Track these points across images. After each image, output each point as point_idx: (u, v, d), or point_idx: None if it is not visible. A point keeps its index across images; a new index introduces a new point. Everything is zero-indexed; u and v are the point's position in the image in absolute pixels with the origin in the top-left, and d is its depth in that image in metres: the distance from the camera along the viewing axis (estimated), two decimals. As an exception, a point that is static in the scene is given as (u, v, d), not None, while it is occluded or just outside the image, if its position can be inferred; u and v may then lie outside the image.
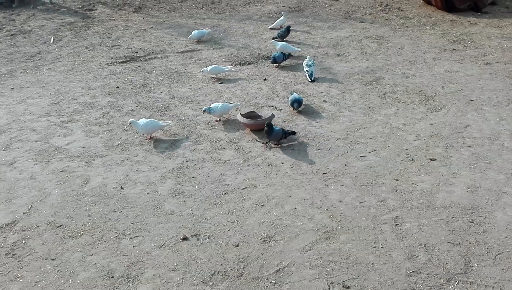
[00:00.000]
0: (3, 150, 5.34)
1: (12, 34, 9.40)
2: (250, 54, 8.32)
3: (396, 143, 5.48)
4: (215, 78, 7.29)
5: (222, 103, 5.94)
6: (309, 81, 7.16)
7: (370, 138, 5.57)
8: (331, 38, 9.14)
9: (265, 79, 7.30)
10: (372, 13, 10.77)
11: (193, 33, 8.89)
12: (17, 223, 4.17)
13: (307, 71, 7.24)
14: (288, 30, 8.89)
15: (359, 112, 6.24)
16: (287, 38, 8.87)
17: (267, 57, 8.07)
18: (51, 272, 3.65)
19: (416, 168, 4.99)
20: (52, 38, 9.17)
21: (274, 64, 7.68)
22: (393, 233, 4.07)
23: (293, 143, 5.49)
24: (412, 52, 8.39)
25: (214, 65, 7.36)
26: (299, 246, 3.92)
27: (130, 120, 5.54)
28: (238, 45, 8.81)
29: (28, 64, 7.97)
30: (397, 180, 4.79)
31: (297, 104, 6.11)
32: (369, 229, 4.12)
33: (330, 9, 11.19)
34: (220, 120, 5.99)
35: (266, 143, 5.45)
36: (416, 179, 4.80)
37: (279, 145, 5.40)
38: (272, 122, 5.47)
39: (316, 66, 7.47)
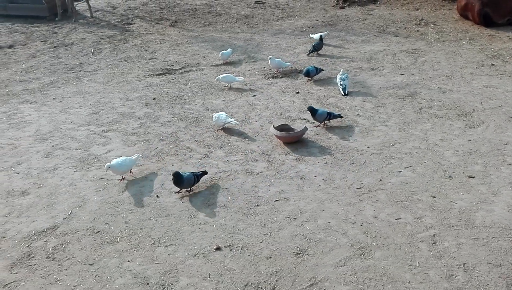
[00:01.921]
0: (46, 157, 5.57)
1: (55, 46, 9.85)
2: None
3: (433, 159, 5.36)
4: (228, 87, 7.56)
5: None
6: (342, 95, 7.14)
7: (406, 154, 5.48)
8: (364, 52, 9.10)
9: (297, 92, 7.33)
10: (407, 28, 10.66)
11: (221, 53, 8.64)
12: (58, 227, 4.33)
13: (340, 84, 7.22)
14: (321, 40, 8.95)
15: (394, 126, 6.16)
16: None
17: (300, 70, 8.11)
18: (89, 277, 3.75)
19: (454, 185, 4.86)
20: (92, 50, 9.55)
21: (307, 78, 7.72)
22: (431, 251, 3.97)
23: (325, 156, 5.46)
24: (449, 67, 8.23)
25: (227, 74, 7.57)
26: (332, 261, 3.88)
27: (107, 164, 4.86)
28: (271, 59, 8.89)
29: (70, 75, 8.32)
30: (434, 197, 4.68)
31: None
32: (405, 246, 4.03)
33: (363, 23, 11.16)
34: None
35: (177, 192, 4.82)
36: (454, 197, 4.67)
37: (191, 192, 4.82)
38: (180, 172, 4.78)
39: (349, 80, 7.44)
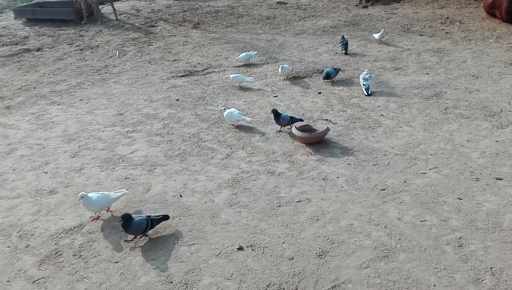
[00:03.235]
0: (72, 157, 5.71)
1: (81, 49, 10.10)
2: (304, 68, 8.36)
3: (459, 160, 5.24)
4: (237, 87, 7.62)
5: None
6: (365, 95, 7.07)
7: (431, 155, 5.38)
8: (388, 52, 8.98)
9: (319, 93, 7.29)
10: (432, 26, 10.46)
11: (240, 55, 8.67)
12: (84, 226, 4.43)
13: (363, 84, 7.14)
14: (343, 38, 8.92)
15: (419, 127, 6.05)
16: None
17: (322, 70, 8.07)
18: (114, 274, 3.83)
19: (481, 187, 4.74)
20: (117, 52, 9.75)
21: (327, 80, 7.66)
22: (457, 254, 3.88)
23: (348, 157, 5.42)
24: (476, 66, 8.03)
25: (238, 74, 7.62)
26: (355, 263, 3.84)
27: (81, 193, 4.34)
28: (293, 59, 8.88)
29: (96, 77, 8.51)
30: (461, 199, 4.57)
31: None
32: (430, 249, 3.95)
33: (387, 22, 11.01)
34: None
35: (129, 241, 4.20)
36: (481, 199, 4.56)
37: (141, 237, 4.23)
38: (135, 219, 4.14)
39: (373, 79, 7.35)
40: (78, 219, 4.52)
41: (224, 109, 6.39)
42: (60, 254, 4.08)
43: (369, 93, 7.06)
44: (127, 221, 4.06)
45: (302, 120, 6.12)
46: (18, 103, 7.40)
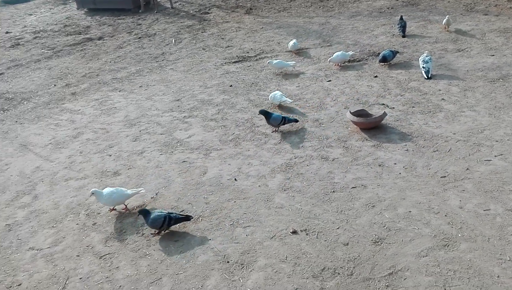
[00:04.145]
0: (134, 141, 6.00)
1: (139, 37, 10.47)
2: (360, 51, 8.13)
3: (528, 147, 4.91)
4: (280, 72, 7.51)
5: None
6: (425, 78, 6.77)
7: (497, 141, 5.08)
8: (450, 32, 8.50)
9: (376, 76, 7.08)
10: (498, 5, 9.74)
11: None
12: (146, 206, 4.67)
13: (423, 67, 6.84)
14: (401, 19, 8.56)
15: (484, 112, 5.72)
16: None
17: (378, 53, 7.81)
18: (175, 252, 4.02)
19: (553, 176, 4.42)
20: (173, 40, 10.01)
21: (384, 63, 7.40)
22: (524, 246, 3.67)
23: (406, 143, 5.24)
24: (549, 46, 7.41)
25: (279, 60, 7.51)
26: (414, 251, 3.75)
27: (92, 190, 4.53)
28: (348, 42, 8.67)
29: (153, 64, 8.81)
30: (530, 188, 4.30)
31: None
32: (494, 239, 3.77)
33: (448, 1, 10.40)
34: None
35: (154, 234, 4.24)
36: (554, 189, 4.26)
37: (159, 234, 4.24)
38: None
39: (433, 62, 7.02)
40: (141, 200, 4.77)
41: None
42: (124, 232, 4.34)
43: (429, 76, 6.75)
44: (144, 217, 4.20)
45: (296, 121, 5.83)
46: (82, 90, 7.85)
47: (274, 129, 5.88)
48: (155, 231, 4.26)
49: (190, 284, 3.67)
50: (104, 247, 4.18)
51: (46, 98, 7.64)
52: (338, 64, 7.61)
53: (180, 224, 4.31)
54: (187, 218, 4.27)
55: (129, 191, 4.59)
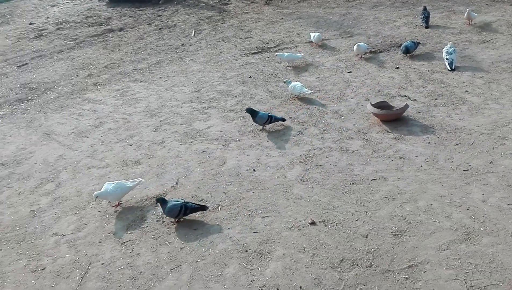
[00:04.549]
0: (154, 131, 6.07)
1: (160, 28, 10.53)
2: (381, 42, 8.01)
3: (556, 141, 4.77)
4: (291, 65, 7.43)
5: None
6: (448, 70, 6.63)
7: (522, 134, 4.95)
8: (474, 23, 8.28)
9: (397, 68, 6.97)
10: (527, -7, 9.42)
11: (315, 36, 8.17)
12: (166, 195, 4.73)
13: (446, 59, 6.69)
14: (424, 9, 8.37)
15: (508, 104, 5.57)
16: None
17: (400, 44, 7.67)
18: (194, 240, 4.07)
19: None
20: (193, 31, 10.04)
21: (407, 54, 7.26)
22: (550, 242, 3.59)
23: (428, 136, 5.15)
24: None
25: (289, 53, 7.43)
26: (434, 244, 3.70)
27: (95, 193, 4.51)
28: (369, 33, 8.54)
29: (173, 55, 8.87)
30: (557, 183, 4.19)
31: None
32: (518, 234, 3.70)
33: (474, -9, 10.11)
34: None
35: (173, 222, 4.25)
36: None
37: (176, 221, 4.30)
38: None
39: (457, 53, 6.86)
40: (161, 188, 4.84)
41: (289, 81, 6.42)
42: (145, 220, 4.41)
43: (453, 68, 6.61)
44: (161, 204, 4.27)
45: (284, 120, 5.73)
46: (104, 80, 7.97)
47: (261, 128, 5.76)
48: (175, 219, 4.32)
49: (209, 271, 3.72)
50: (125, 234, 4.26)
51: (68, 88, 7.78)
52: (360, 55, 7.50)
53: (199, 212, 4.35)
54: (203, 208, 4.31)
55: (130, 183, 4.61)
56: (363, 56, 7.51)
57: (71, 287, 3.72)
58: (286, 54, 7.50)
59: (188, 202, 4.27)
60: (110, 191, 4.49)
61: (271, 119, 5.63)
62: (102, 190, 4.53)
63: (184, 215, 4.25)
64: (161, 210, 4.36)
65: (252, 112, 5.65)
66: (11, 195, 5.03)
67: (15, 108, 7.17)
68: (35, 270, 3.95)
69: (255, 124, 5.75)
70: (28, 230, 4.46)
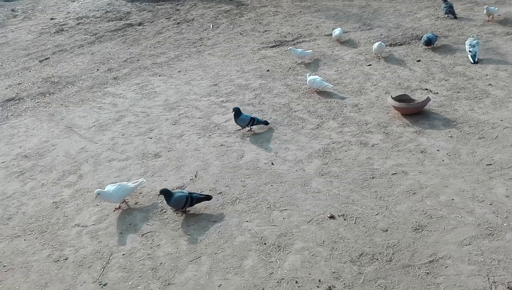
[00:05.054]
0: (173, 124, 6.12)
1: (178, 23, 10.58)
2: (402, 34, 7.88)
3: None
4: (302, 62, 7.33)
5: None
6: (471, 63, 6.48)
7: (549, 128, 4.82)
8: (499, 15, 8.06)
9: (418, 61, 6.84)
10: (555, -17, 9.12)
11: (335, 32, 8.04)
12: (185, 187, 4.77)
13: (469, 51, 6.55)
14: (445, 1, 8.19)
15: (535, 98, 5.43)
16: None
17: (421, 37, 7.53)
18: (213, 233, 4.10)
19: None
20: (211, 25, 10.06)
21: (428, 47, 7.12)
22: None
23: (450, 129, 5.06)
24: None
25: (301, 49, 7.35)
26: (456, 239, 3.64)
27: (97, 190, 4.43)
28: (389, 25, 8.40)
29: (192, 49, 8.90)
30: None
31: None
32: (544, 230, 3.61)
33: (499, -19, 9.82)
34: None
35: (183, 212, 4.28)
36: None
37: (182, 213, 4.36)
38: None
39: (480, 46, 6.69)
40: (180, 181, 4.88)
41: (309, 74, 6.40)
42: (165, 212, 4.46)
43: (476, 60, 6.46)
44: (165, 196, 4.29)
45: (267, 123, 5.60)
46: (124, 74, 8.05)
47: (246, 129, 5.60)
48: (181, 211, 4.35)
49: (228, 263, 3.74)
50: (146, 225, 4.32)
51: (89, 82, 7.90)
52: (379, 56, 7.22)
53: (218, 205, 4.38)
54: (207, 198, 4.36)
55: (131, 184, 4.58)
56: (381, 56, 7.29)
57: (93, 277, 3.80)
58: (299, 50, 7.40)
59: (192, 193, 4.32)
60: (113, 192, 4.44)
61: (253, 121, 5.49)
62: (105, 189, 4.46)
63: (191, 205, 4.31)
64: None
65: (237, 113, 5.51)
66: (34, 186, 5.15)
67: (38, 102, 7.32)
68: (58, 260, 4.04)
69: (237, 125, 5.59)
70: (51, 221, 4.56)
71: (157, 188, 4.81)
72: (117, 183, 4.56)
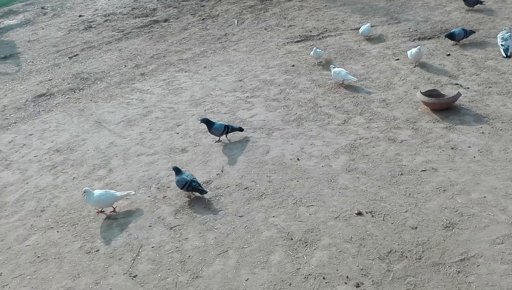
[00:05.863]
0: (199, 120, 6.17)
1: (203, 19, 10.63)
2: (431, 28, 7.69)
3: None
4: (319, 62, 7.17)
5: (106, 191, 4.56)
6: (503, 57, 6.28)
7: None
8: (534, 7, 7.78)
9: (448, 55, 6.68)
10: None
11: (362, 29, 7.73)
12: (212, 182, 4.82)
13: (502, 45, 6.35)
14: None
15: None
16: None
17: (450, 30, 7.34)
18: (240, 227, 4.14)
19: None
20: (236, 21, 10.07)
21: (452, 41, 6.90)
22: None
23: (482, 125, 4.92)
24: None
25: (319, 50, 7.13)
26: (488, 238, 3.56)
27: (85, 188, 4.52)
28: (417, 19, 8.22)
29: (217, 45, 8.94)
30: None
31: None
32: None
33: (533, -29, 9.46)
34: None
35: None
36: None
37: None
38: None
39: (514, 39, 6.48)
40: (207, 176, 4.93)
41: (334, 66, 6.36)
42: (193, 206, 4.53)
43: (509, 54, 6.26)
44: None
45: (242, 130, 5.47)
46: (151, 70, 8.17)
47: (217, 139, 5.51)
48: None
49: (255, 258, 3.77)
50: (174, 219, 4.39)
51: (117, 78, 8.05)
52: (416, 64, 6.62)
53: (244, 200, 4.41)
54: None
55: (118, 193, 4.56)
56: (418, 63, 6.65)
57: (123, 269, 3.90)
58: (319, 50, 7.14)
59: (194, 181, 4.51)
60: (95, 197, 4.45)
61: (227, 129, 5.38)
62: (91, 193, 4.48)
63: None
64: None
65: (208, 123, 5.39)
66: (66, 180, 5.30)
67: (68, 98, 7.51)
68: (90, 252, 4.16)
69: (211, 135, 5.51)
70: (83, 214, 4.69)
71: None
72: (105, 190, 4.57)
